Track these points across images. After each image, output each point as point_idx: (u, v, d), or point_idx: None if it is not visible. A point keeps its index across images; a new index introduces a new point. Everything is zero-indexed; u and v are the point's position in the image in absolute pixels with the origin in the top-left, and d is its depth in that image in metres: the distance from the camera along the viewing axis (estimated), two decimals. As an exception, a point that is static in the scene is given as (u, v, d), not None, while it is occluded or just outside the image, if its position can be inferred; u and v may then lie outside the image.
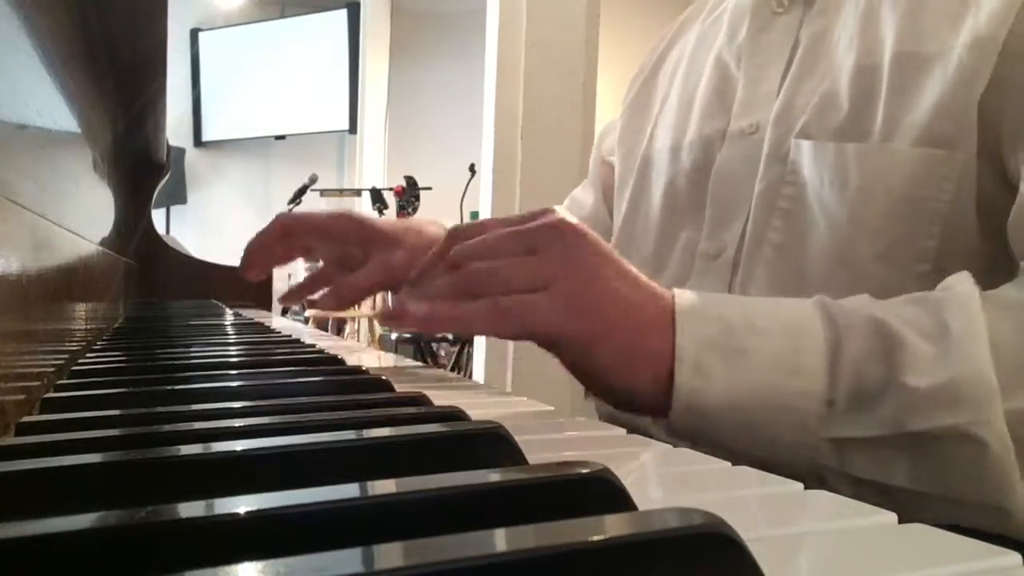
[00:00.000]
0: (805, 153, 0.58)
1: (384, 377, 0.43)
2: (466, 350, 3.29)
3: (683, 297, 0.47)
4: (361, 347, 0.75)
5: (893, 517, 0.23)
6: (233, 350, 0.60)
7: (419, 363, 0.73)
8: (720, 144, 0.66)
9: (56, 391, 0.40)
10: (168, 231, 4.87)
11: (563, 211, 0.48)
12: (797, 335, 0.44)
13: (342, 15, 5.58)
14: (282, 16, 5.79)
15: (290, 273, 2.92)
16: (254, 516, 0.18)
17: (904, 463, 0.42)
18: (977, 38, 0.51)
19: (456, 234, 0.50)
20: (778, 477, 0.27)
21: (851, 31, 0.59)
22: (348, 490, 0.19)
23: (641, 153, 0.76)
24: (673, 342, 0.44)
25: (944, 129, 0.52)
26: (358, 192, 4.76)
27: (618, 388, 0.46)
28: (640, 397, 0.46)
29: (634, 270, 0.48)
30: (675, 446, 0.33)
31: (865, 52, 0.57)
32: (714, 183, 0.66)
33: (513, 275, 0.46)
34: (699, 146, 0.68)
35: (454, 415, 0.31)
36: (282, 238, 0.69)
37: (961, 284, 0.45)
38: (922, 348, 0.42)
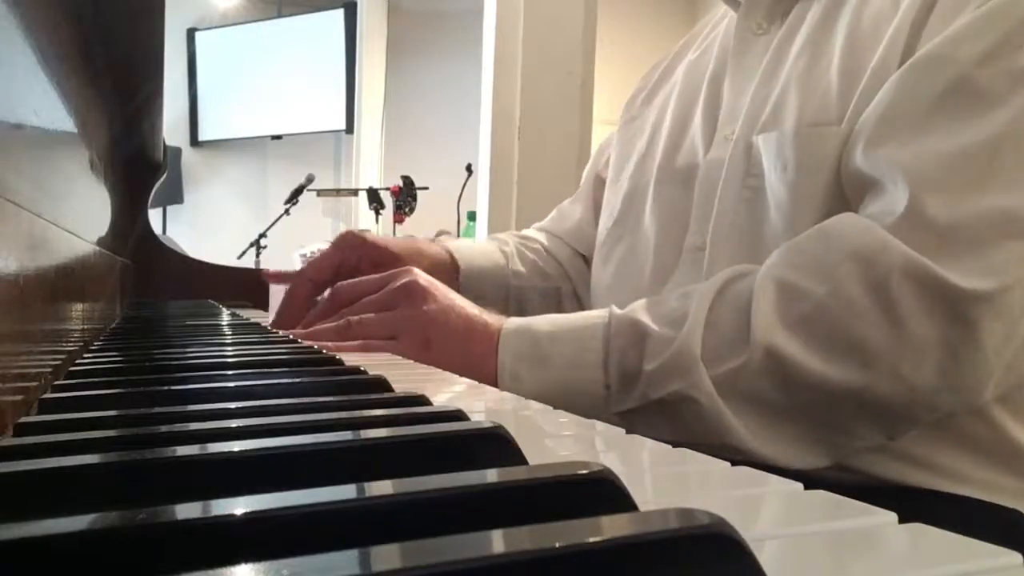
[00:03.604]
0: (761, 147, 0.67)
1: (382, 377, 0.43)
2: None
3: (509, 324, 0.63)
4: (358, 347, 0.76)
5: (893, 517, 0.23)
6: (231, 350, 0.60)
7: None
8: (706, 153, 0.75)
9: (54, 391, 0.40)
10: (165, 231, 4.87)
11: (417, 273, 0.67)
12: (583, 341, 0.60)
13: (339, 15, 5.58)
14: (279, 16, 5.79)
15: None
16: (253, 517, 0.17)
17: (662, 423, 0.56)
18: (892, 40, 0.59)
19: (339, 290, 0.72)
20: (778, 477, 0.27)
21: (804, 38, 0.68)
22: (347, 491, 0.19)
23: (636, 163, 0.84)
24: (496, 360, 0.61)
25: (864, 108, 0.60)
26: (355, 192, 4.76)
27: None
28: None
29: (468, 308, 0.65)
30: (674, 446, 0.33)
31: (817, 49, 0.66)
32: (699, 184, 0.74)
33: (377, 323, 0.64)
34: (690, 155, 0.77)
35: (454, 415, 0.31)
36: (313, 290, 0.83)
37: (715, 278, 0.58)
38: (660, 336, 0.57)
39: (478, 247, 0.97)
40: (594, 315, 0.63)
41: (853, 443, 0.55)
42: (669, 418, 0.56)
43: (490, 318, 0.64)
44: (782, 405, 0.53)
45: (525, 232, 1.02)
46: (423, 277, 0.66)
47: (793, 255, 0.56)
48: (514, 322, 0.63)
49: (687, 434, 0.55)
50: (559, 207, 1.04)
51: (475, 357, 0.62)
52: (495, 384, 0.60)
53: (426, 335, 0.63)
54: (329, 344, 0.63)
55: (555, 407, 0.57)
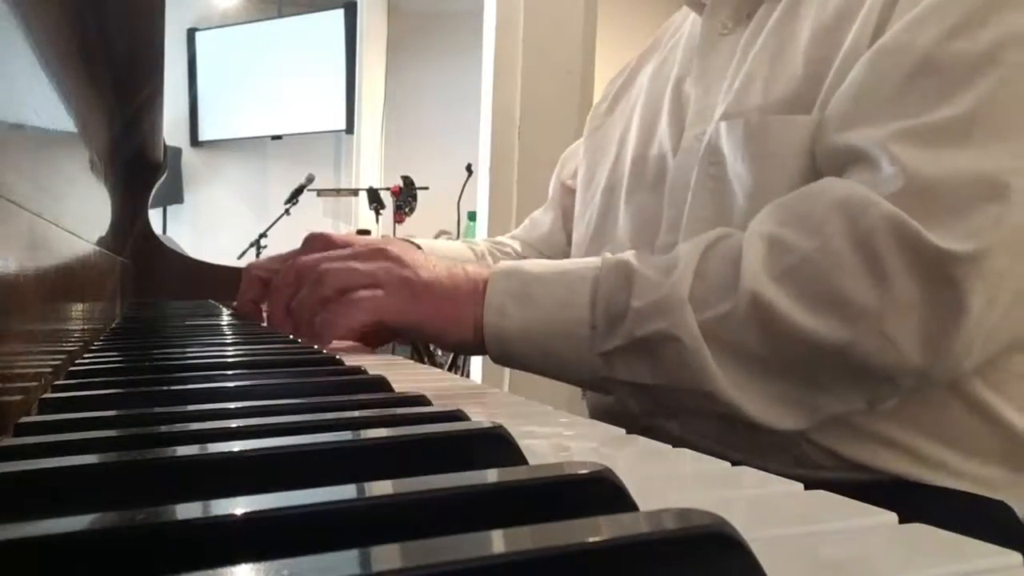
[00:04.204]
0: (723, 133, 0.68)
1: (383, 376, 0.43)
2: (463, 350, 3.27)
3: (501, 265, 0.64)
4: (359, 347, 0.75)
5: (893, 517, 0.23)
6: (231, 350, 0.60)
7: (417, 362, 0.74)
8: (675, 154, 0.75)
9: (54, 391, 0.40)
10: (165, 231, 4.87)
11: (389, 239, 0.68)
12: (572, 282, 0.61)
13: (339, 15, 5.58)
14: (279, 16, 5.79)
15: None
16: (253, 517, 0.17)
17: (643, 365, 0.57)
18: (862, 26, 0.60)
19: (309, 241, 0.72)
20: (778, 477, 0.27)
21: (772, 27, 0.68)
22: (347, 491, 0.19)
23: (607, 174, 0.84)
24: (483, 299, 0.61)
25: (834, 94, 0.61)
26: (355, 192, 4.76)
27: (451, 343, 0.64)
28: (465, 345, 0.64)
29: (451, 265, 0.65)
30: (674, 446, 0.33)
31: (782, 40, 0.66)
32: (669, 191, 0.74)
33: (351, 272, 0.63)
34: (659, 158, 0.77)
35: (454, 415, 0.31)
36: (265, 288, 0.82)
37: (706, 234, 0.59)
38: (650, 278, 0.58)
39: (449, 245, 0.99)
40: (586, 260, 0.64)
41: (833, 406, 0.55)
42: (651, 358, 0.57)
43: (471, 266, 0.65)
44: (765, 359, 0.54)
45: (498, 239, 1.04)
46: (393, 243, 0.68)
47: (780, 212, 0.56)
48: (504, 264, 0.64)
49: (667, 377, 0.56)
50: (531, 216, 1.06)
51: (461, 300, 0.62)
52: (480, 325, 0.61)
53: (408, 284, 0.62)
54: (303, 325, 0.64)
55: (539, 348, 0.61)
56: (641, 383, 0.58)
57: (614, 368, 0.59)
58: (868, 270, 0.51)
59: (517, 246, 1.00)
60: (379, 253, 0.64)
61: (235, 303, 0.89)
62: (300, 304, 0.65)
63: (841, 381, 0.54)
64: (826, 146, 0.59)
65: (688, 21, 0.83)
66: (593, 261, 0.62)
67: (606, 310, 0.59)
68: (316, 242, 0.75)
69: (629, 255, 0.61)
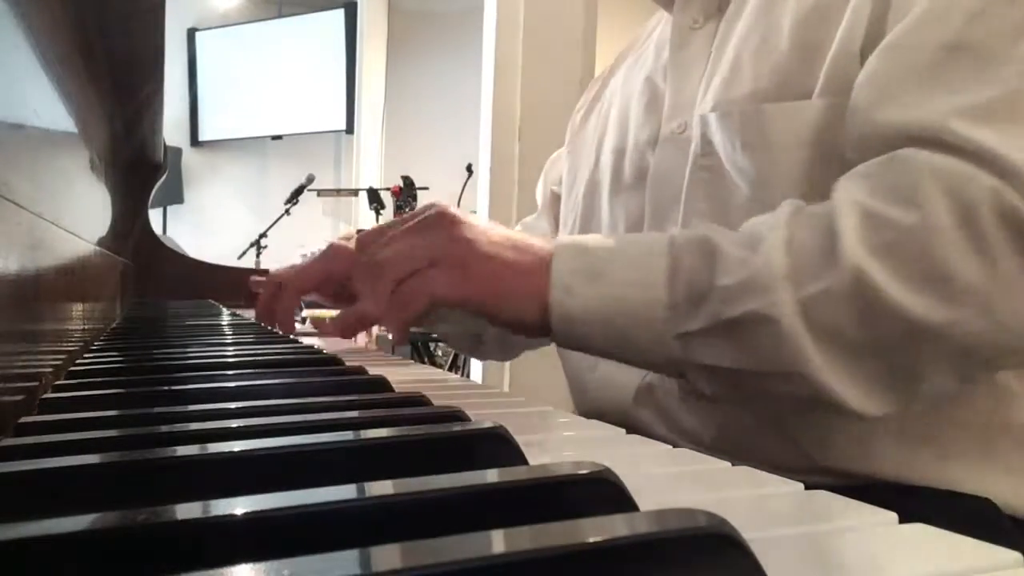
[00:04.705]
0: (712, 124, 0.65)
1: (383, 376, 0.43)
2: (463, 350, 3.27)
3: (563, 239, 0.59)
4: (358, 347, 0.75)
5: (893, 517, 0.23)
6: (231, 350, 0.60)
7: (419, 363, 0.74)
8: (653, 149, 0.73)
9: (54, 391, 0.40)
10: (165, 231, 4.87)
11: (446, 203, 0.60)
12: (644, 257, 0.56)
13: (339, 15, 5.58)
14: (279, 16, 5.79)
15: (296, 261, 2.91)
16: (253, 517, 0.17)
17: (728, 347, 0.53)
18: (857, 8, 0.58)
19: (363, 240, 0.64)
20: (778, 477, 0.27)
21: (751, 19, 0.66)
22: (348, 491, 0.19)
23: (587, 178, 0.83)
24: (549, 276, 0.57)
25: (839, 82, 0.59)
26: (355, 192, 4.75)
27: (511, 322, 0.58)
28: (528, 325, 0.58)
29: (513, 235, 0.59)
30: (674, 446, 0.33)
31: (766, 28, 0.64)
32: (651, 185, 0.73)
33: (406, 256, 0.58)
34: (636, 155, 0.76)
35: (454, 416, 0.31)
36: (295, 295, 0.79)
37: (782, 207, 0.55)
38: (734, 254, 0.53)
39: None
40: (651, 235, 0.58)
41: (923, 389, 0.52)
42: (737, 341, 0.53)
43: (536, 239, 0.60)
44: (861, 339, 0.50)
45: None
46: (451, 207, 0.60)
47: (869, 183, 0.53)
48: (567, 238, 0.60)
49: (754, 360, 0.52)
50: (523, 222, 1.05)
51: (522, 273, 0.57)
52: (544, 303, 0.56)
53: (463, 257, 0.57)
54: (349, 316, 0.59)
55: (608, 329, 0.56)
56: (722, 366, 0.54)
57: (692, 351, 0.55)
58: (973, 246, 0.48)
59: None
60: (431, 222, 0.59)
61: (255, 307, 0.87)
62: (368, 305, 0.60)
63: (938, 363, 0.51)
64: (866, 129, 0.56)
65: (660, 20, 0.82)
66: (660, 236, 0.58)
67: (687, 289, 0.54)
68: (340, 254, 0.76)
69: (704, 228, 0.57)
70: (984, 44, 0.52)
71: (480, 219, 0.60)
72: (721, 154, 0.65)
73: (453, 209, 0.59)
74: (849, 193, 0.52)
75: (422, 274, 0.57)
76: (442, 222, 0.58)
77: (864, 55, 0.58)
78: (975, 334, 0.49)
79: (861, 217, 0.51)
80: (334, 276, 0.78)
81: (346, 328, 0.67)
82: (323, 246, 0.81)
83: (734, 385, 0.55)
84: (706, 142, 0.66)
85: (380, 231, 0.63)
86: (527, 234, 0.78)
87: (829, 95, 0.59)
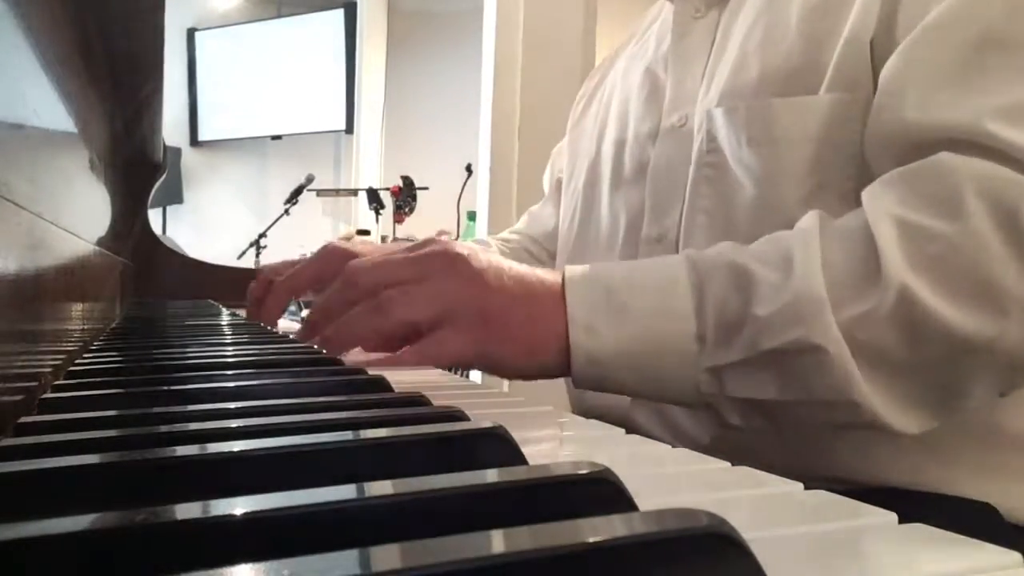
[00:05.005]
0: (718, 120, 0.64)
1: (382, 376, 0.43)
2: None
3: (572, 271, 0.54)
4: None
5: (893, 517, 0.23)
6: (230, 350, 0.60)
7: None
8: (654, 142, 0.72)
9: (54, 391, 0.40)
10: (165, 231, 4.87)
11: (446, 240, 0.56)
12: (668, 286, 0.52)
13: (339, 15, 5.58)
14: (279, 16, 5.79)
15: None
16: (253, 517, 0.17)
17: (768, 378, 0.49)
18: (866, 5, 0.57)
19: (353, 263, 0.57)
20: (778, 477, 0.27)
21: (756, 11, 0.65)
22: (347, 491, 0.19)
23: (587, 169, 0.82)
24: (565, 313, 0.52)
25: (847, 75, 0.57)
26: (354, 192, 4.75)
27: (529, 371, 0.54)
28: (548, 369, 0.54)
29: (518, 267, 0.55)
30: (674, 446, 0.33)
31: (772, 18, 0.63)
32: (651, 178, 0.71)
33: (417, 302, 0.52)
34: (636, 147, 0.74)
35: (454, 415, 0.31)
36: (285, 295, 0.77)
37: (807, 220, 0.52)
38: (768, 279, 0.49)
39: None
40: (669, 260, 0.55)
41: (963, 404, 0.50)
42: (779, 372, 0.49)
43: (541, 271, 0.55)
44: (905, 361, 0.48)
45: (500, 235, 1.03)
46: (454, 244, 0.55)
47: (903, 190, 0.50)
48: (576, 270, 0.55)
49: (800, 390, 0.49)
50: (529, 211, 1.05)
51: (539, 318, 0.53)
52: (564, 346, 0.52)
53: (480, 310, 0.52)
54: (372, 359, 0.54)
55: (634, 368, 0.52)
56: (762, 399, 0.50)
57: (726, 384, 0.51)
58: (1016, 252, 0.46)
59: (521, 241, 0.99)
60: (438, 264, 0.53)
61: (246, 305, 0.86)
62: (352, 327, 0.55)
63: (979, 378, 0.49)
64: (893, 130, 0.53)
65: (662, 10, 0.81)
66: (677, 260, 0.54)
67: (718, 319, 0.50)
68: (335, 256, 0.73)
69: (727, 248, 0.53)
70: (1017, 40, 0.50)
71: (480, 251, 0.55)
72: (726, 150, 0.64)
73: (456, 246, 0.55)
74: (883, 203, 0.50)
75: (436, 336, 0.52)
76: (451, 262, 0.53)
77: (875, 46, 0.56)
78: (1020, 345, 0.47)
79: (900, 230, 0.48)
80: (327, 279, 0.74)
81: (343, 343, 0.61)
82: (321, 245, 0.81)
83: (769, 416, 0.52)
84: (711, 138, 0.65)
85: (375, 270, 0.56)
86: (525, 231, 0.75)
87: (837, 89, 0.58)
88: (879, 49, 0.56)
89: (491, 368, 0.55)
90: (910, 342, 0.47)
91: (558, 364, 0.53)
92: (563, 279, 0.54)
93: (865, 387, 0.47)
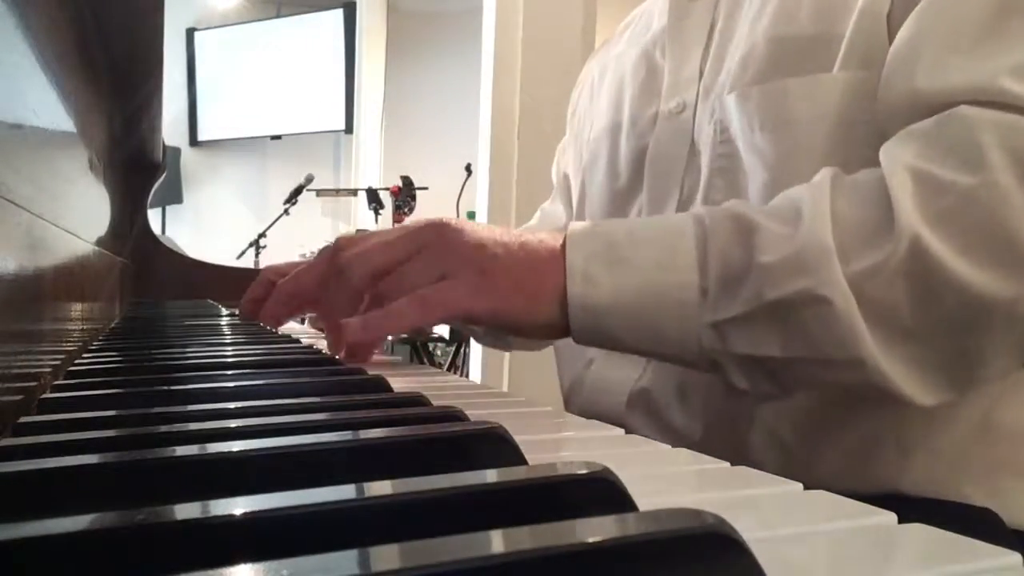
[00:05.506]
0: (730, 108, 0.62)
1: (382, 376, 0.43)
2: (462, 350, 3.29)
3: (575, 226, 0.54)
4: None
5: (893, 517, 0.23)
6: (230, 350, 0.60)
7: (417, 364, 0.74)
8: (652, 128, 0.71)
9: (53, 391, 0.40)
10: (164, 231, 4.87)
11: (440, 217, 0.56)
12: (671, 239, 0.51)
13: (338, 14, 5.58)
14: (278, 16, 5.79)
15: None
16: (252, 517, 0.17)
17: (772, 333, 0.48)
18: None
19: (341, 245, 0.58)
20: (778, 477, 0.27)
21: None
22: (347, 491, 0.19)
23: (584, 159, 0.81)
24: (565, 265, 0.52)
25: (861, 51, 0.56)
26: (354, 192, 4.76)
27: (532, 326, 0.54)
28: (551, 322, 0.53)
29: (516, 232, 0.55)
30: (674, 446, 0.33)
31: (779, 4, 0.61)
32: (649, 164, 0.70)
33: (415, 274, 0.53)
34: (633, 134, 0.73)
35: (453, 415, 0.31)
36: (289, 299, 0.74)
37: (820, 175, 0.50)
38: (774, 230, 0.48)
39: None
40: (674, 216, 0.53)
41: (981, 374, 0.48)
42: (782, 326, 0.48)
43: (543, 233, 0.55)
44: (917, 320, 0.46)
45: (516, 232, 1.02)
46: (445, 216, 0.56)
47: (922, 143, 0.48)
48: (579, 225, 0.54)
49: (805, 345, 0.47)
50: (542, 208, 1.04)
51: (540, 270, 0.52)
52: (563, 297, 0.51)
53: (479, 263, 0.52)
54: (375, 318, 0.54)
55: (637, 316, 0.51)
56: (765, 355, 0.49)
57: (728, 340, 0.49)
58: None
59: None
60: (432, 233, 0.54)
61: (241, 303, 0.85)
62: (371, 332, 0.55)
63: (1000, 344, 0.46)
64: (908, 98, 0.51)
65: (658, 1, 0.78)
66: (683, 215, 0.53)
67: (721, 270, 0.49)
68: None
69: (734, 204, 0.52)
70: None
71: (478, 224, 0.56)
72: (738, 139, 0.62)
73: (448, 218, 0.56)
74: (899, 156, 0.48)
75: (440, 286, 0.52)
76: (442, 232, 0.54)
77: (891, 20, 0.54)
78: None
79: (916, 182, 0.46)
80: (330, 279, 0.72)
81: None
82: (322, 246, 0.80)
83: (773, 377, 0.50)
84: (723, 128, 0.63)
85: (364, 240, 0.57)
86: (538, 228, 0.73)
87: (852, 66, 0.56)
88: (896, 23, 0.54)
89: (493, 319, 0.54)
90: (922, 300, 0.45)
91: (559, 317, 0.52)
92: (564, 237, 0.53)
93: (872, 345, 0.45)
